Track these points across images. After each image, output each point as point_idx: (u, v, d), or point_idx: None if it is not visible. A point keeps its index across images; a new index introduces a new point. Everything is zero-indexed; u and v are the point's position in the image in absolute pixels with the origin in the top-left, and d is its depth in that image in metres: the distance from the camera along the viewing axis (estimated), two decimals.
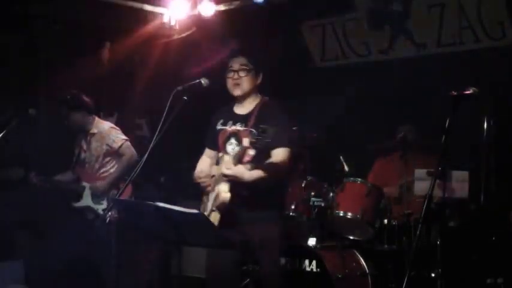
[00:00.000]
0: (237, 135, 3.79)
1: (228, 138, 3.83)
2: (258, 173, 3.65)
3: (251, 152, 3.65)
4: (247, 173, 3.63)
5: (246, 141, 3.55)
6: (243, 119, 3.83)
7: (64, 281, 5.21)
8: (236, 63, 3.85)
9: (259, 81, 3.90)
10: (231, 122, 3.87)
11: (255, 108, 3.84)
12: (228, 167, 3.60)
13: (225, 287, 3.87)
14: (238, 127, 3.82)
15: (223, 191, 3.61)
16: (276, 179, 3.76)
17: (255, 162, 3.67)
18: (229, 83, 3.87)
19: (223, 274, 3.80)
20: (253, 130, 3.65)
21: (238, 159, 3.64)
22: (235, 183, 3.62)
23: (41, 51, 6.05)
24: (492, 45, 5.41)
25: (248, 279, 4.90)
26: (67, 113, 5.07)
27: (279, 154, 3.71)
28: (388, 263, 4.76)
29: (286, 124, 3.78)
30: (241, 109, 3.90)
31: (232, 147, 3.79)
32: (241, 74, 3.83)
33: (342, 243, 4.75)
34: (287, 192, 4.98)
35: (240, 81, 3.82)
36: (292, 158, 3.81)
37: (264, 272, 3.86)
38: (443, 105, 3.50)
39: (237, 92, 3.85)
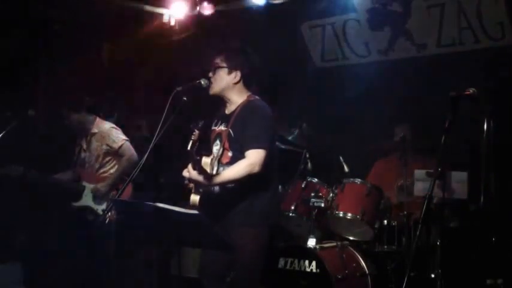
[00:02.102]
0: (220, 136, 3.74)
1: (214, 139, 3.80)
2: (221, 178, 3.54)
3: (229, 154, 3.64)
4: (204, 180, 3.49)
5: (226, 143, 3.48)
6: (227, 119, 3.78)
7: (63, 282, 5.21)
8: (212, 63, 3.83)
9: (236, 79, 3.76)
10: (219, 122, 3.84)
11: (237, 107, 3.77)
12: (188, 170, 3.51)
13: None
14: (222, 127, 3.78)
15: (193, 193, 3.59)
16: (247, 183, 3.56)
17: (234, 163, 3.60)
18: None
19: (216, 275, 3.77)
20: (230, 131, 3.64)
21: (218, 161, 3.61)
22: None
23: (40, 51, 6.05)
24: (492, 46, 5.41)
25: None
26: (67, 112, 5.08)
27: (248, 156, 3.57)
28: (388, 264, 4.76)
29: (262, 125, 3.63)
30: (227, 109, 3.85)
31: (217, 148, 3.73)
32: (214, 72, 3.79)
33: (341, 244, 4.75)
34: (286, 193, 4.99)
35: (213, 79, 3.78)
36: (268, 159, 3.58)
37: (237, 284, 3.73)
38: (442, 106, 3.50)
39: (210, 91, 3.81)
